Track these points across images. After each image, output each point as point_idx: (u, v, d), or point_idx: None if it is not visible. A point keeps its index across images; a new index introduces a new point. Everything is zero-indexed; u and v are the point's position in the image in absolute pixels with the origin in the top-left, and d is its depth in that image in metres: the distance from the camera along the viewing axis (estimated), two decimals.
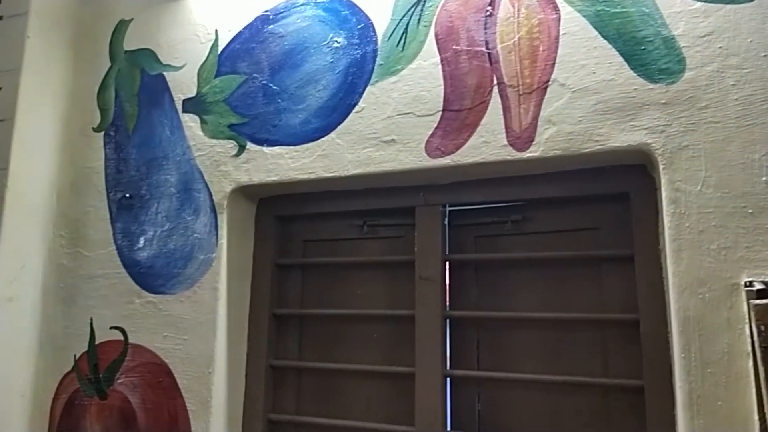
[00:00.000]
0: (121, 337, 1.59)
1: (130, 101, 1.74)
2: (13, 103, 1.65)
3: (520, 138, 1.29)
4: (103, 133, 1.77)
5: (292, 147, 1.50)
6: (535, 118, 1.28)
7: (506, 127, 1.30)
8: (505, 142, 1.30)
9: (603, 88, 1.24)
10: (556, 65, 1.27)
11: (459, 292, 1.46)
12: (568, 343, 1.34)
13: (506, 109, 1.31)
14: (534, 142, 1.27)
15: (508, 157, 1.29)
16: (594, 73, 1.25)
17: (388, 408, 1.47)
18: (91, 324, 1.64)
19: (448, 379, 1.41)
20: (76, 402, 1.62)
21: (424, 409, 1.38)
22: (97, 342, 1.63)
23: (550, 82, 1.28)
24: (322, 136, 1.47)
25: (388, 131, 1.40)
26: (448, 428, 1.39)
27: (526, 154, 1.28)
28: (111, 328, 1.61)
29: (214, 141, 1.60)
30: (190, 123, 1.64)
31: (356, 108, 1.45)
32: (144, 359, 1.55)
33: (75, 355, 1.65)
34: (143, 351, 1.56)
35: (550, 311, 1.37)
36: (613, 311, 1.31)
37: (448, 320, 1.44)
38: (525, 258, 1.41)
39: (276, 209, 1.65)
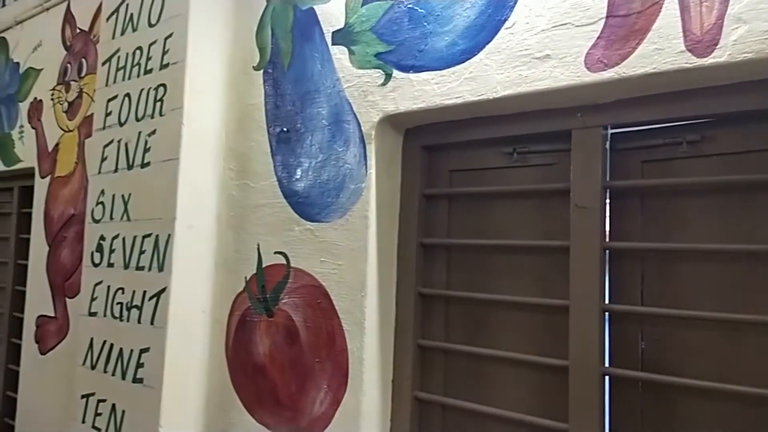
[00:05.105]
0: (284, 261, 1.71)
1: (285, 38, 1.80)
2: (183, 47, 1.80)
3: (702, 42, 1.10)
4: (262, 71, 1.86)
5: (438, 72, 1.45)
6: (721, 16, 1.09)
7: (684, 30, 1.12)
8: (683, 47, 1.12)
9: None
10: None
11: (620, 222, 1.34)
12: (754, 278, 1.17)
13: (684, 9, 1.13)
14: (719, 46, 1.08)
15: (686, 65, 1.11)
16: None
17: (539, 341, 1.42)
18: (258, 249, 1.79)
19: (607, 314, 1.32)
20: (247, 318, 1.80)
21: (579, 343, 1.30)
22: (264, 265, 1.77)
23: None
24: (470, 58, 1.40)
25: (542, 46, 1.29)
26: (606, 365, 1.30)
27: (708, 60, 1.09)
28: (275, 253, 1.74)
29: (361, 71, 1.60)
30: (339, 55, 1.66)
31: (506, 24, 1.34)
32: (304, 282, 1.66)
33: (246, 277, 1.81)
34: (303, 274, 1.66)
35: (730, 243, 1.20)
36: None
37: (607, 252, 1.33)
38: (707, 183, 1.24)
39: (422, 139, 1.62)
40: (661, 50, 1.14)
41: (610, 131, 1.33)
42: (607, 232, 1.33)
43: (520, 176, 1.49)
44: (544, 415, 1.37)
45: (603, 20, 1.21)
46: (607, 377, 1.30)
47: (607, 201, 1.33)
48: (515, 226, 1.49)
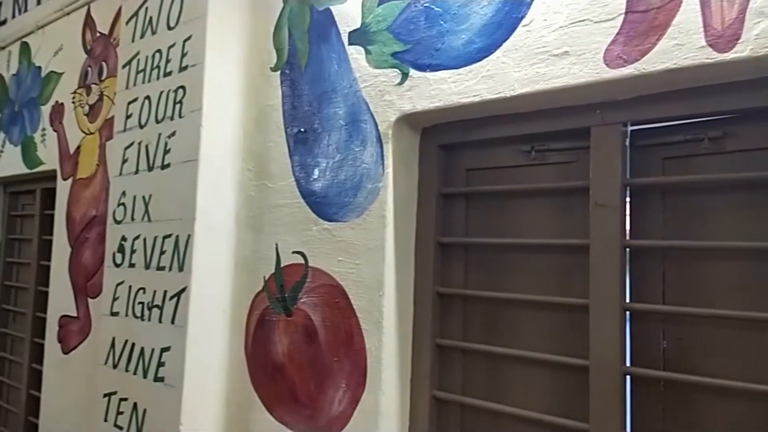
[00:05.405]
0: (302, 261, 1.72)
1: (302, 39, 1.81)
2: (202, 49, 1.81)
3: (723, 37, 1.09)
4: (279, 72, 1.87)
5: (454, 70, 1.45)
6: (742, 11, 1.07)
7: (705, 25, 1.11)
8: (703, 42, 1.11)
9: None
10: None
11: (641, 220, 1.32)
12: None
13: (705, 4, 1.11)
14: (740, 41, 1.07)
15: (707, 60, 1.10)
16: None
17: (558, 340, 1.41)
18: (277, 249, 1.80)
19: (628, 313, 1.30)
20: (266, 318, 1.81)
21: (600, 343, 1.29)
22: (282, 265, 1.78)
23: None
24: (487, 56, 1.39)
25: (560, 43, 1.28)
26: (628, 364, 1.29)
27: (729, 56, 1.08)
28: (293, 252, 1.75)
29: (378, 71, 1.60)
30: (356, 55, 1.66)
31: (524, 21, 1.34)
32: (322, 281, 1.67)
33: (264, 277, 1.82)
34: (321, 274, 1.67)
35: (753, 240, 1.18)
36: None
37: (627, 250, 1.31)
38: (729, 180, 1.22)
39: (439, 138, 1.62)
40: (682, 46, 1.13)
41: (630, 128, 1.32)
42: (628, 230, 1.32)
43: (539, 174, 1.48)
44: (564, 415, 1.36)
45: (622, 16, 1.20)
46: (628, 377, 1.29)
47: (628, 199, 1.32)
48: (533, 225, 1.48)
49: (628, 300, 1.30)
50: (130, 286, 1.99)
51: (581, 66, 1.25)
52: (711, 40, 1.10)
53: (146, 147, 1.99)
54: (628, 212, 1.32)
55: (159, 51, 1.98)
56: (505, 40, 1.37)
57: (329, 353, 1.63)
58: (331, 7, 1.73)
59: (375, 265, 1.55)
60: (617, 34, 1.20)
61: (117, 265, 2.06)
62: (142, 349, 1.90)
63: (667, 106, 1.25)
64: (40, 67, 2.99)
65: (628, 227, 1.32)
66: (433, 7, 1.50)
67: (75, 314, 2.55)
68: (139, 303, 1.94)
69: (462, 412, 1.56)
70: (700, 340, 1.23)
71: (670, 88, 1.22)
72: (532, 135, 1.46)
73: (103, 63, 2.55)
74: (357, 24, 1.66)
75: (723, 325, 1.21)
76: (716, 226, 1.24)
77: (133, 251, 1.99)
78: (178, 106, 1.88)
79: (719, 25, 1.10)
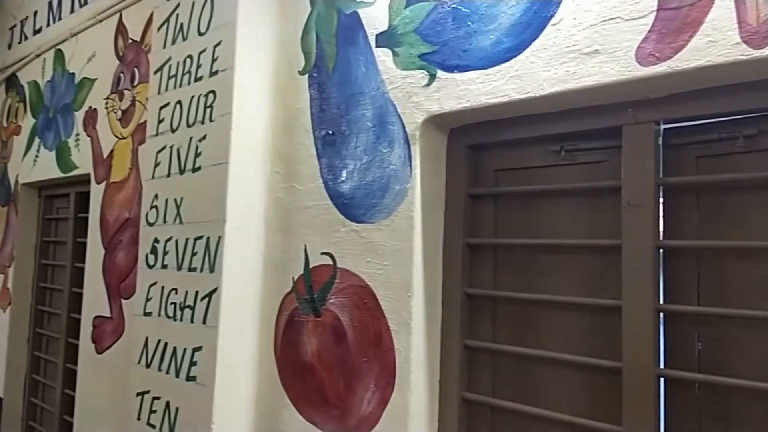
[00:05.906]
0: (331, 262, 1.74)
1: (329, 42, 1.83)
2: (231, 54, 1.84)
3: (758, 33, 1.07)
4: (307, 75, 1.89)
5: (482, 71, 1.44)
6: None
7: (739, 22, 1.09)
8: (738, 39, 1.09)
9: None
10: None
11: (675, 220, 1.30)
12: None
13: (739, 0, 1.09)
14: None
15: (742, 57, 1.08)
16: None
17: (590, 342, 1.39)
18: (305, 250, 1.81)
19: (662, 314, 1.28)
20: (295, 318, 1.83)
21: (633, 345, 1.28)
22: (311, 266, 1.80)
23: None
24: (515, 56, 1.39)
25: (591, 41, 1.27)
26: (662, 366, 1.27)
27: (765, 52, 1.06)
28: (322, 253, 1.76)
29: (405, 72, 1.61)
30: (383, 57, 1.67)
31: (553, 20, 1.33)
32: (351, 282, 1.68)
33: (293, 278, 1.84)
34: (350, 275, 1.68)
35: None
36: None
37: (661, 251, 1.30)
38: (765, 179, 1.19)
39: (467, 139, 1.62)
40: (715, 42, 1.11)
41: (663, 126, 1.30)
42: (661, 230, 1.30)
43: (568, 174, 1.47)
44: (596, 418, 1.35)
45: (654, 13, 1.19)
46: (662, 379, 1.27)
47: (661, 198, 1.30)
48: (564, 225, 1.47)
49: (661, 301, 1.28)
50: (162, 287, 2.03)
51: (612, 64, 1.23)
52: (746, 36, 1.08)
53: (178, 150, 2.02)
54: (661, 212, 1.30)
55: (190, 56, 2.02)
56: (533, 40, 1.36)
57: (358, 354, 1.64)
58: (359, 10, 1.74)
59: (403, 266, 1.56)
60: (649, 31, 1.19)
61: (150, 267, 2.10)
62: (175, 348, 1.93)
63: (700, 104, 1.23)
64: (73, 74, 3.07)
65: (661, 227, 1.30)
66: (460, 8, 1.50)
67: (108, 315, 2.61)
68: (172, 303, 1.97)
69: (492, 414, 1.55)
70: (736, 341, 1.21)
71: (703, 85, 1.20)
72: (562, 135, 1.45)
73: (135, 69, 2.60)
74: (384, 26, 1.67)
75: (760, 327, 1.18)
76: (752, 225, 1.22)
77: (165, 253, 2.03)
78: (208, 110, 1.91)
79: (754, 21, 1.08)
